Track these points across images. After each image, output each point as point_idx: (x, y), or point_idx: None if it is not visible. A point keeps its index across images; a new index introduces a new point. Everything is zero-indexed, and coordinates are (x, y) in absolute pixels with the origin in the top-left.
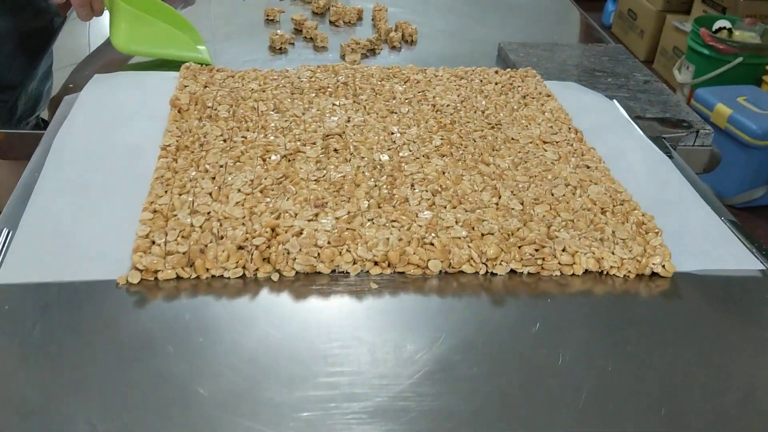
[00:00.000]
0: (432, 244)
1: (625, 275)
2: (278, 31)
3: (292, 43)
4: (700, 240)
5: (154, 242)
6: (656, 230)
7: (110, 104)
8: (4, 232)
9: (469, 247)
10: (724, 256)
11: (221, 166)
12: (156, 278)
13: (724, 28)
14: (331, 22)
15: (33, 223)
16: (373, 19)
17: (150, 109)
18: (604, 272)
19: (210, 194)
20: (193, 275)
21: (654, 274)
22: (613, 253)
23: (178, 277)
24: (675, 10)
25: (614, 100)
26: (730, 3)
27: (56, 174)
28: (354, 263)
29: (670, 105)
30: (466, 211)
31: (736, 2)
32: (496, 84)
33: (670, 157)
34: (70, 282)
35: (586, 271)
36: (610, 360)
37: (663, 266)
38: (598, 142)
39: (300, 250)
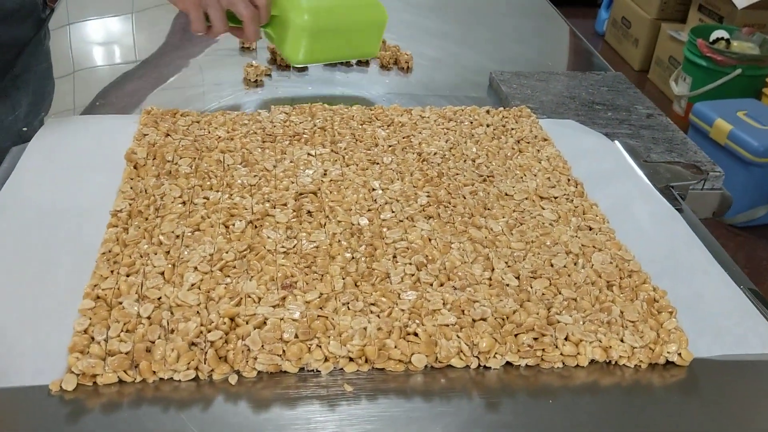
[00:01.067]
0: (416, 334)
1: (636, 365)
2: (253, 62)
3: (269, 74)
4: (718, 316)
5: (93, 338)
6: (670, 309)
7: (61, 157)
8: None
9: (458, 337)
10: (747, 336)
11: (177, 237)
12: (95, 383)
13: (722, 38)
14: None
15: None
16: None
17: (104, 162)
18: (613, 362)
19: (162, 274)
20: (138, 378)
21: (670, 363)
22: (622, 341)
23: (121, 380)
24: (670, 18)
25: (616, 141)
26: (726, 11)
27: None
28: (325, 360)
29: (676, 143)
30: (455, 289)
31: (732, 11)
32: (488, 126)
33: (680, 210)
34: None
35: (593, 362)
36: None
37: (679, 354)
38: (599, 195)
39: (262, 346)
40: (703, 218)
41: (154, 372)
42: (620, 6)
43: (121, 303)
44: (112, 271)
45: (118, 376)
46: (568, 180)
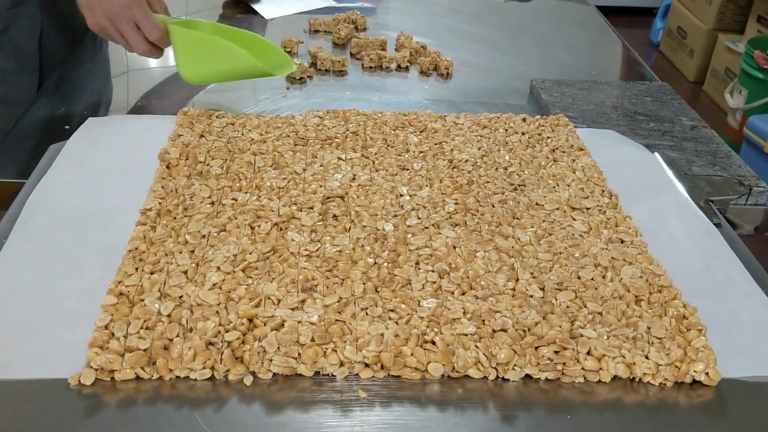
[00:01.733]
0: (434, 342)
1: (661, 383)
2: (296, 60)
3: (310, 76)
4: (751, 336)
5: (113, 335)
6: (699, 327)
7: (97, 155)
8: None
9: (476, 347)
10: None
11: (203, 237)
12: (113, 378)
13: None
14: (352, 54)
15: None
16: (397, 50)
17: (138, 161)
18: (637, 379)
19: (185, 273)
20: (155, 375)
21: (697, 382)
22: (647, 357)
23: (138, 377)
24: (727, 29)
25: (656, 154)
26: None
27: (21, 243)
28: (341, 365)
29: (720, 156)
30: (477, 298)
31: None
32: (523, 134)
33: (718, 225)
34: (14, 380)
35: (616, 377)
36: None
37: (707, 374)
38: (635, 208)
39: (278, 348)
40: (745, 234)
41: (171, 370)
42: (676, 15)
43: (143, 300)
44: (136, 269)
45: (136, 373)
46: (602, 191)
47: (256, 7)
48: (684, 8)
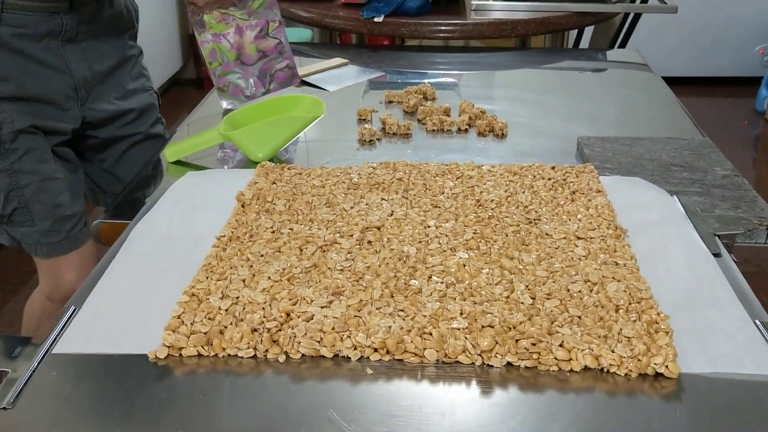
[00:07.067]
0: (431, 334)
1: (626, 374)
2: (366, 125)
3: (379, 139)
4: (722, 342)
5: (183, 322)
6: (667, 330)
7: (190, 199)
8: (71, 309)
9: (465, 338)
10: (743, 359)
11: (262, 256)
12: (180, 354)
13: None
14: (419, 120)
15: (95, 303)
16: (459, 115)
17: (222, 203)
18: (605, 370)
19: (243, 281)
20: (212, 353)
21: (661, 375)
22: (613, 351)
23: (200, 354)
24: None
25: (674, 196)
26: None
27: (125, 261)
28: (354, 349)
29: (745, 201)
30: (475, 303)
31: None
32: (549, 179)
33: (718, 255)
34: (111, 354)
35: (588, 369)
36: None
37: (666, 366)
38: (641, 240)
39: (305, 334)
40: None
41: (224, 348)
42: None
43: (208, 299)
44: (207, 277)
45: (197, 350)
46: (609, 225)
47: (320, 83)
48: None
